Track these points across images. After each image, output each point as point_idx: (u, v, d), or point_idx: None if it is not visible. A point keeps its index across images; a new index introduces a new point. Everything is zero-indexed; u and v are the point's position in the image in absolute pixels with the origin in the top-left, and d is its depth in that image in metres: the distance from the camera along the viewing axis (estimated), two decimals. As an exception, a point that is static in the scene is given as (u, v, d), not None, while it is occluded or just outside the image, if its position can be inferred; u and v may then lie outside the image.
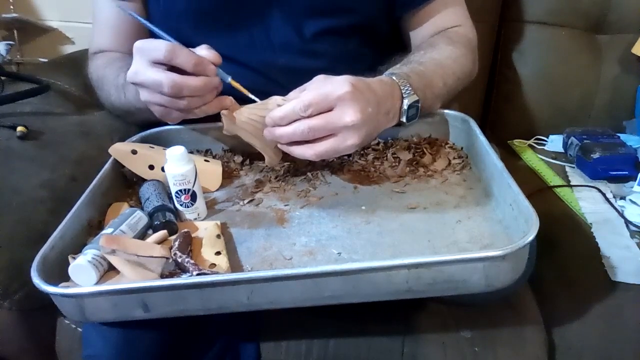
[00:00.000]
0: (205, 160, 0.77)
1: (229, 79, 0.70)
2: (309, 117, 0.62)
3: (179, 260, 0.57)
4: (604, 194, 0.93)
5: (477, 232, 0.62)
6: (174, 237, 0.62)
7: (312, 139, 0.63)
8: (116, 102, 0.83)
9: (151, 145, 0.77)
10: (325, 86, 0.63)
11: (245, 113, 0.69)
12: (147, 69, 0.66)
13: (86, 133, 0.91)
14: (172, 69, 0.66)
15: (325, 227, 0.65)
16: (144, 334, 0.61)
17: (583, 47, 1.16)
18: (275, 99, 0.68)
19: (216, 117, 0.72)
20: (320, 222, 0.66)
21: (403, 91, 0.71)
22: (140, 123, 0.83)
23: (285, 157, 0.74)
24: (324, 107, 0.62)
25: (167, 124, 0.79)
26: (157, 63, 0.66)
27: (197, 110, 0.70)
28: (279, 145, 0.68)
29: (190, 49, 0.68)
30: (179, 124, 0.78)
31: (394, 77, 0.72)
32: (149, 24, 0.72)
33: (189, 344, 0.67)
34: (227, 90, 0.71)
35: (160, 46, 0.65)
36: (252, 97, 0.70)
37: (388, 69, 0.76)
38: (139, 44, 0.67)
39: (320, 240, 0.63)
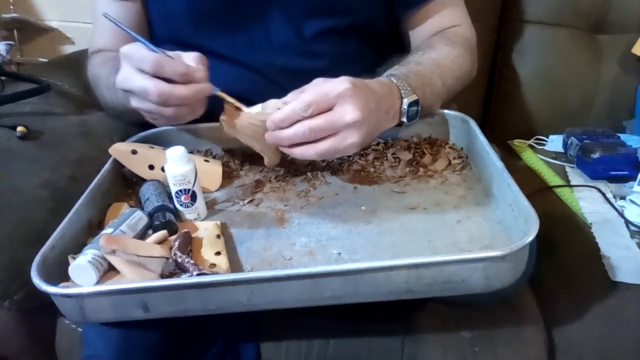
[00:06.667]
0: (205, 160, 0.77)
1: (218, 92, 0.69)
2: (310, 117, 0.62)
3: (179, 260, 0.57)
4: (604, 194, 0.93)
5: (477, 233, 0.62)
6: (174, 237, 0.62)
7: (314, 139, 0.63)
8: (109, 102, 0.83)
9: (151, 145, 0.77)
10: (325, 85, 0.63)
11: (244, 117, 0.69)
12: (135, 75, 0.66)
13: (86, 133, 0.91)
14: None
15: (325, 228, 0.65)
16: (144, 334, 0.61)
17: (583, 47, 1.16)
18: (274, 102, 0.67)
19: (216, 118, 0.72)
20: (320, 223, 0.66)
21: (402, 91, 0.71)
22: (135, 122, 0.83)
23: (285, 157, 0.74)
24: (325, 106, 0.62)
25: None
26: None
27: (186, 116, 0.70)
28: (280, 148, 0.68)
29: (179, 54, 0.66)
30: (179, 124, 0.77)
31: (392, 78, 0.72)
32: (133, 34, 0.70)
33: (189, 344, 0.67)
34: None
35: (147, 58, 0.64)
36: (243, 107, 0.69)
37: (386, 70, 0.76)
38: (126, 50, 0.66)
39: (320, 240, 0.63)
